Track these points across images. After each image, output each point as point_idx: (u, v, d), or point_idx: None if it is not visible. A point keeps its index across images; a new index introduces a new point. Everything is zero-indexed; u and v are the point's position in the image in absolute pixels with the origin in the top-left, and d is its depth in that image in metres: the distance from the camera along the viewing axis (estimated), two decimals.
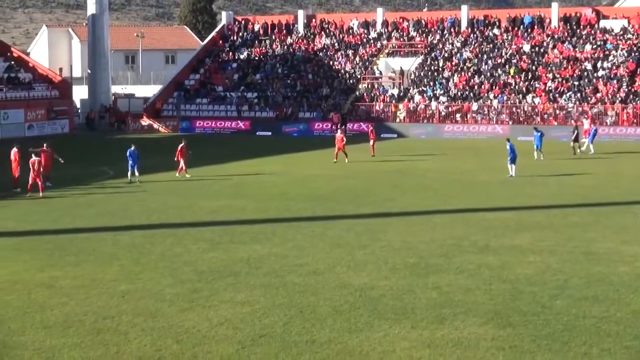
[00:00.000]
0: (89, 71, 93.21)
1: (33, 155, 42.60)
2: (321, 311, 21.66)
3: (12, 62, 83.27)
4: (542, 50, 78.04)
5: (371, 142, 57.95)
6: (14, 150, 44.28)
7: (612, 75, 72.97)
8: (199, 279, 25.09)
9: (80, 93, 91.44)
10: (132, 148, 46.00)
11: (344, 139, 54.71)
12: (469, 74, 77.65)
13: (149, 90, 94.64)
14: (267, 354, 18.59)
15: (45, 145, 45.75)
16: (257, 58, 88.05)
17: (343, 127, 73.21)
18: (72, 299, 23.11)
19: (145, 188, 44.10)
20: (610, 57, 74.83)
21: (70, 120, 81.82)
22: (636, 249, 28.39)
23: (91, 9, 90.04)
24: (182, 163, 47.88)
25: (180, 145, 48.11)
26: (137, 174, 45.66)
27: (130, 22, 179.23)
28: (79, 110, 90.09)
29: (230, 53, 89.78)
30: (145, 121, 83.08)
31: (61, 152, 49.01)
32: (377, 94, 78.89)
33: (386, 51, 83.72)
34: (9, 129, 73.27)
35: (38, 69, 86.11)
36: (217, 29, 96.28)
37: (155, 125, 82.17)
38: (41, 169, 43.40)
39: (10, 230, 33.53)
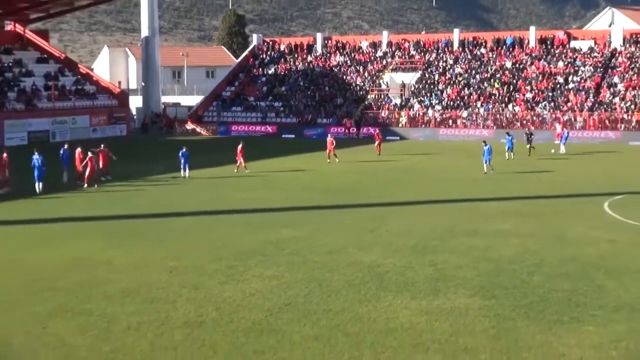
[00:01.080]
0: (143, 84, 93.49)
1: (89, 153, 42.88)
2: (336, 285, 21.70)
3: (79, 77, 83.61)
4: (521, 66, 77.81)
5: (376, 142, 57.95)
6: (78, 150, 44.50)
7: (580, 88, 72.74)
8: (235, 257, 25.17)
9: (135, 102, 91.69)
10: (184, 149, 45.90)
11: (334, 142, 53.93)
12: (460, 86, 77.48)
13: (193, 100, 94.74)
14: (291, 320, 18.65)
15: (102, 145, 45.94)
16: (282, 73, 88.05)
17: (356, 130, 73.48)
18: (128, 274, 23.25)
19: (190, 182, 44.19)
20: (579, 72, 74.60)
21: (127, 124, 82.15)
22: (601, 234, 28.33)
23: (144, 32, 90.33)
24: (240, 161, 47.83)
25: (239, 146, 48.26)
26: (187, 171, 45.61)
27: (177, 43, 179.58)
28: (135, 117, 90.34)
29: (260, 69, 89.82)
30: (189, 125, 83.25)
31: (119, 151, 49.22)
32: (383, 103, 78.84)
33: (390, 67, 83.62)
34: (77, 132, 73.62)
35: (101, 82, 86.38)
36: (249, 49, 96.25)
37: (198, 129, 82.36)
38: (99, 166, 43.77)
39: (77, 217, 33.70)
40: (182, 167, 45.69)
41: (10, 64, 79.24)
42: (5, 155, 41.83)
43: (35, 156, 40.65)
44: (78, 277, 22.89)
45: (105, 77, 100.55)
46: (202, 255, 25.50)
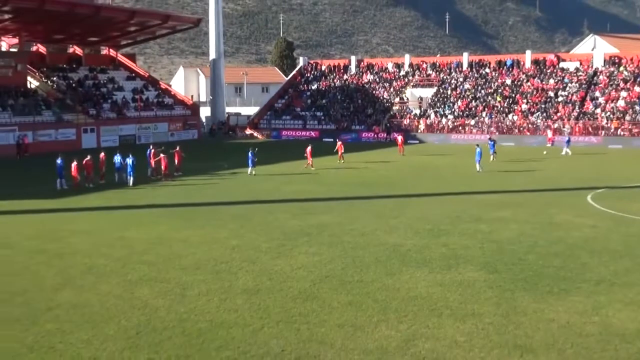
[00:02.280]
0: (211, 97, 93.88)
1: (161, 153, 43.19)
2: (367, 260, 21.70)
3: (160, 91, 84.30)
4: (519, 83, 77.00)
5: (399, 142, 58.02)
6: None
7: (568, 101, 71.83)
8: (284, 237, 25.24)
9: (205, 112, 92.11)
10: (252, 150, 44.89)
11: (342, 146, 52.18)
12: (468, 99, 76.86)
13: (251, 111, 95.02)
14: (330, 288, 18.69)
15: (178, 147, 46.13)
16: (323, 89, 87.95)
17: (386, 135, 73.19)
18: (199, 250, 23.42)
19: (250, 177, 44.30)
20: (567, 88, 73.65)
21: (198, 130, 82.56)
22: (585, 221, 28.03)
23: (212, 55, 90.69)
24: (310, 160, 47.66)
25: (308, 148, 48.12)
26: (252, 168, 44.68)
27: (238, 64, 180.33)
28: (204, 124, 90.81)
29: (306, 85, 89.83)
30: (248, 131, 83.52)
31: (192, 151, 49.65)
32: (405, 113, 78.49)
33: (411, 84, 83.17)
34: (158, 136, 74.21)
35: (177, 96, 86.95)
36: (296, 69, 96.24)
37: (255, 134, 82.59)
38: (173, 163, 44.07)
39: (159, 204, 34.02)
40: (249, 165, 44.66)
41: (105, 81, 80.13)
42: (102, 154, 42.30)
43: (118, 158, 41.15)
44: (160, 252, 23.14)
45: (181, 92, 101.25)
46: (258, 236, 25.60)
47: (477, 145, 46.76)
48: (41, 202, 34.53)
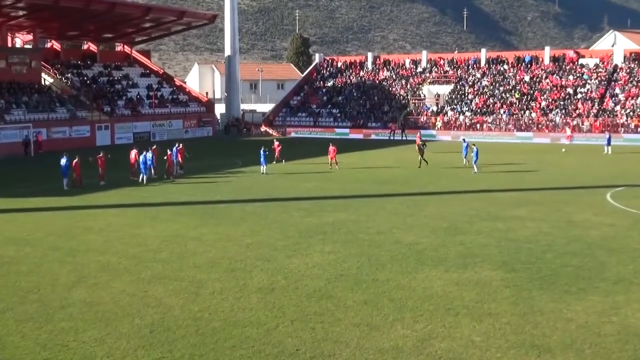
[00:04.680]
0: (226, 94, 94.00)
1: (169, 150, 43.23)
2: (382, 259, 21.66)
3: (175, 88, 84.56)
4: (537, 79, 76.61)
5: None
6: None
7: (587, 98, 71.42)
8: (300, 235, 25.25)
9: (219, 109, 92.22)
10: (264, 149, 44.50)
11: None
12: (486, 96, 76.58)
13: (266, 108, 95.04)
14: (345, 287, 18.67)
15: (180, 145, 45.54)
16: (339, 86, 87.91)
17: (402, 132, 72.89)
18: (214, 248, 23.47)
19: (261, 175, 44.20)
20: (586, 85, 73.22)
21: (213, 127, 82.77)
22: (604, 219, 27.84)
23: (227, 52, 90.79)
24: (334, 159, 46.38)
25: (332, 148, 46.90)
26: (265, 167, 44.40)
27: (254, 60, 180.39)
28: (219, 121, 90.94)
29: (321, 82, 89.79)
30: (263, 128, 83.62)
31: (206, 148, 49.55)
32: (422, 110, 78.33)
33: (428, 81, 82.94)
34: (172, 133, 74.47)
35: (192, 92, 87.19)
36: (312, 66, 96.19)
37: (270, 131, 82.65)
38: (178, 161, 44.12)
39: (173, 201, 34.12)
40: (262, 164, 44.26)
41: (119, 77, 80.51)
42: (101, 154, 40.79)
43: (144, 155, 40.82)
44: (174, 250, 23.21)
45: (195, 89, 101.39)
46: (273, 234, 25.63)
47: (474, 144, 46.46)
48: (55, 200, 34.75)
